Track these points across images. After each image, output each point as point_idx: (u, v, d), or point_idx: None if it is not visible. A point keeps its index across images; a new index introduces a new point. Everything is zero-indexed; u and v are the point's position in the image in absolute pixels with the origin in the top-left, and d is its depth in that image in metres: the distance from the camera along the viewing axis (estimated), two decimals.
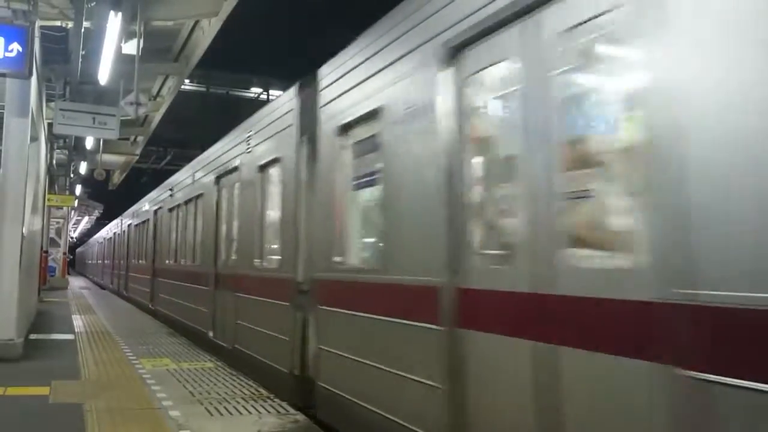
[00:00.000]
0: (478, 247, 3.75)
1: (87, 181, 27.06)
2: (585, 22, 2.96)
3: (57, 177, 22.45)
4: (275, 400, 6.31)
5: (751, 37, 2.25)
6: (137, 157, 24.18)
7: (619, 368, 2.67)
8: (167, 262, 14.16)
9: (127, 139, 21.22)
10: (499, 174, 3.72)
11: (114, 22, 9.22)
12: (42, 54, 10.61)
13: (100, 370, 7.68)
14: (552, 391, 3.00)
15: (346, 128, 5.56)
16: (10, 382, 6.59)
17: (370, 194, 5.34)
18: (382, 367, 4.48)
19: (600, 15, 2.88)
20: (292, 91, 6.98)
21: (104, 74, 11.01)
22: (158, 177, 25.30)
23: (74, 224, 45.78)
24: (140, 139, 21.18)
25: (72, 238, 50.17)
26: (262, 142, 7.90)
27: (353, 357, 4.98)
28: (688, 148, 2.43)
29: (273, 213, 7.55)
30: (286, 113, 7.05)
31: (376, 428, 4.53)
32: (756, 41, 2.24)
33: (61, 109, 11.83)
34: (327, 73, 6.07)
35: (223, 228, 9.75)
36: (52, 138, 16.28)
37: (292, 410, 5.90)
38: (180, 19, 11.63)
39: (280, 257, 7.11)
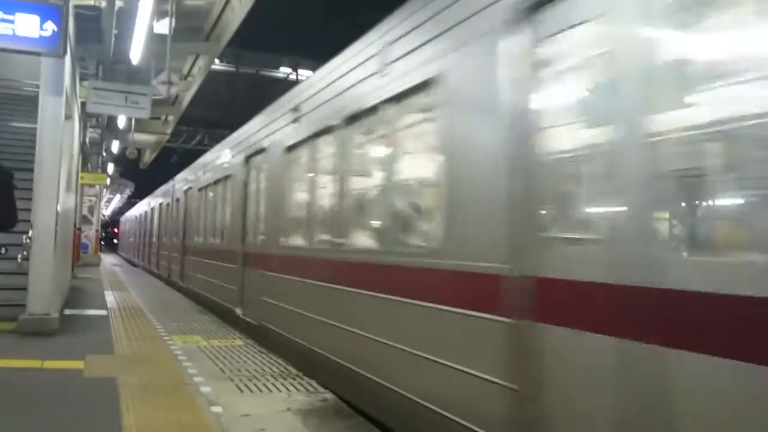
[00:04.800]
0: None
1: (119, 159, 27.44)
2: None
3: (90, 155, 22.78)
4: (304, 378, 6.37)
5: None
6: (168, 137, 24.43)
7: None
8: (287, 241, 8.07)
9: (159, 118, 21.44)
10: None
11: (146, 1, 9.27)
12: (76, 33, 10.71)
13: (133, 345, 7.82)
14: None
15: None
16: (47, 356, 6.74)
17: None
18: None
19: None
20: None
21: (136, 54, 11.12)
22: (188, 157, 25.52)
23: (106, 202, 46.50)
24: (171, 118, 21.39)
25: (104, 216, 50.99)
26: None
27: None
28: None
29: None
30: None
31: None
32: None
33: (94, 88, 11.97)
34: None
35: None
36: (86, 117, 16.48)
37: (321, 389, 5.95)
38: None
39: None
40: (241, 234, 10.33)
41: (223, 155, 12.43)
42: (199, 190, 14.52)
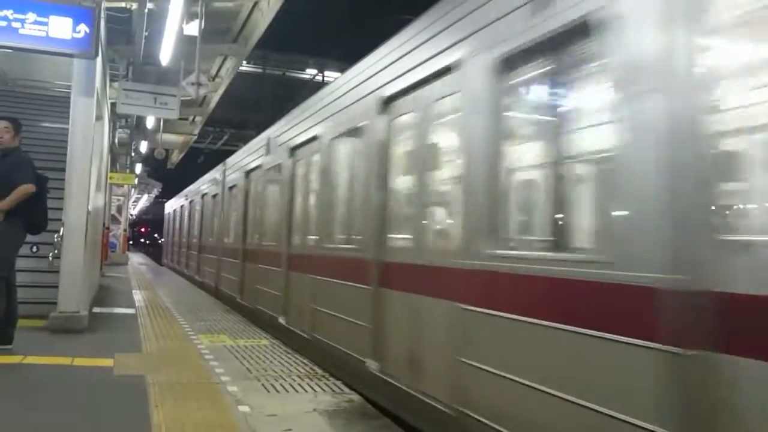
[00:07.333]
0: None
1: (147, 159, 27.71)
2: None
3: (119, 155, 23.02)
4: (330, 379, 6.37)
5: None
6: (195, 137, 24.61)
7: None
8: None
9: (186, 119, 21.61)
10: None
11: (176, 3, 9.35)
12: (107, 35, 10.85)
13: (161, 344, 7.89)
14: None
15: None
16: (77, 353, 6.82)
17: None
18: None
19: None
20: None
21: (166, 55, 11.21)
22: (215, 157, 25.71)
23: (134, 202, 47.05)
24: (199, 119, 21.54)
25: (131, 215, 51.62)
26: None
27: None
28: None
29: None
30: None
31: None
32: None
33: (124, 89, 12.11)
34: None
35: None
36: (115, 117, 16.68)
37: (346, 389, 5.95)
38: None
39: None
40: (379, 228, 5.94)
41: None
42: (268, 169, 10.49)
